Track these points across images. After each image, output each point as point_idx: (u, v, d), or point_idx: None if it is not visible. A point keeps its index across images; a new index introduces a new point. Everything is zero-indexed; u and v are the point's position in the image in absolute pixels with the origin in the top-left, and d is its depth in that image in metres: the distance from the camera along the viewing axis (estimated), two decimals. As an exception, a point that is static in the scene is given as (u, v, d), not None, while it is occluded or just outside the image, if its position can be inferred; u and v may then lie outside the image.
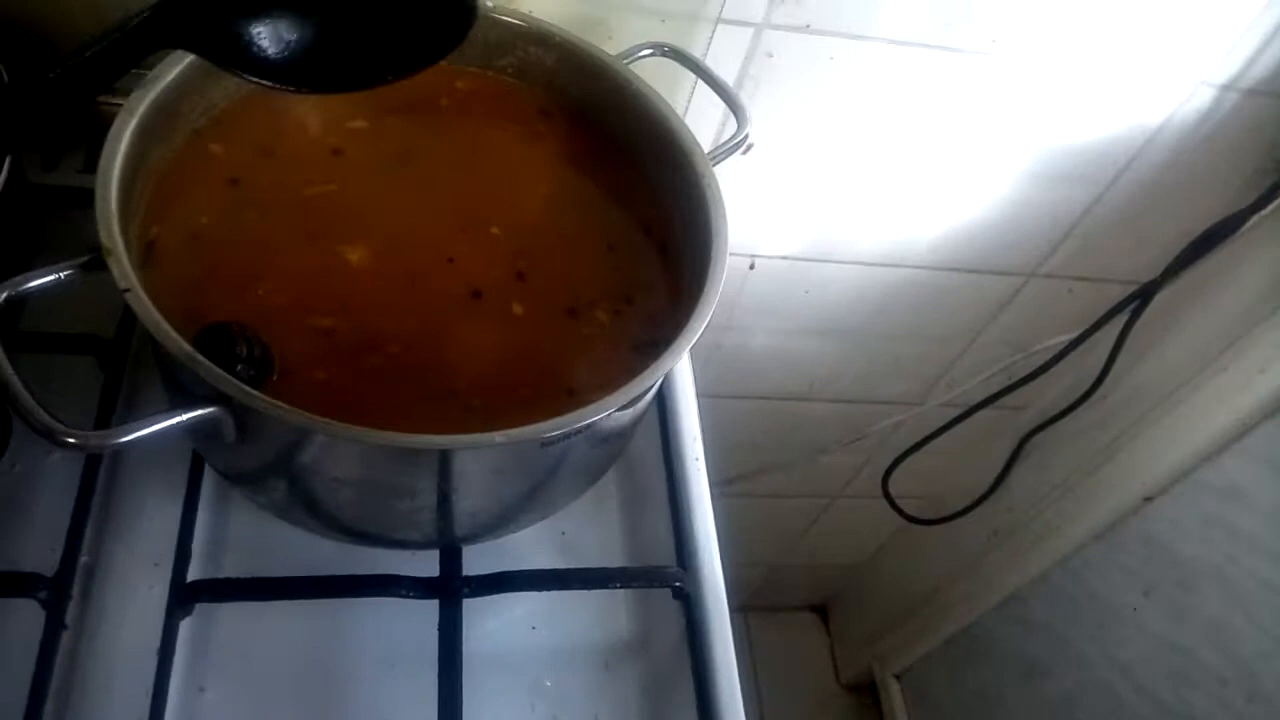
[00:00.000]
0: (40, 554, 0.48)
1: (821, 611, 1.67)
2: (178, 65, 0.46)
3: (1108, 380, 0.93)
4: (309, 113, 0.52)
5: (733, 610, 1.68)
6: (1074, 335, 0.92)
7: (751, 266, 0.86)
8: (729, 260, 0.82)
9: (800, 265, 0.87)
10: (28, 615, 0.46)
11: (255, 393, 0.37)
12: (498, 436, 0.39)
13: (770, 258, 0.85)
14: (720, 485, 1.20)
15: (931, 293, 0.91)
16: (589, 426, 0.40)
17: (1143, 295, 0.87)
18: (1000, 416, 1.07)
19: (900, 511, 1.18)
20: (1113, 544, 1.00)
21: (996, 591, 1.19)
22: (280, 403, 0.37)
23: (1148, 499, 0.95)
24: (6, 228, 0.45)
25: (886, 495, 1.16)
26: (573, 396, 0.45)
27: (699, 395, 0.64)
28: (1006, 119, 0.73)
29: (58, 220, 0.55)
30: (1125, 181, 0.80)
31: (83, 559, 0.48)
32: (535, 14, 0.58)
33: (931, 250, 0.86)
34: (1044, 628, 1.12)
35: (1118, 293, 0.88)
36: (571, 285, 0.49)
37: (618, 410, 0.41)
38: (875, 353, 1.00)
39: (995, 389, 1.01)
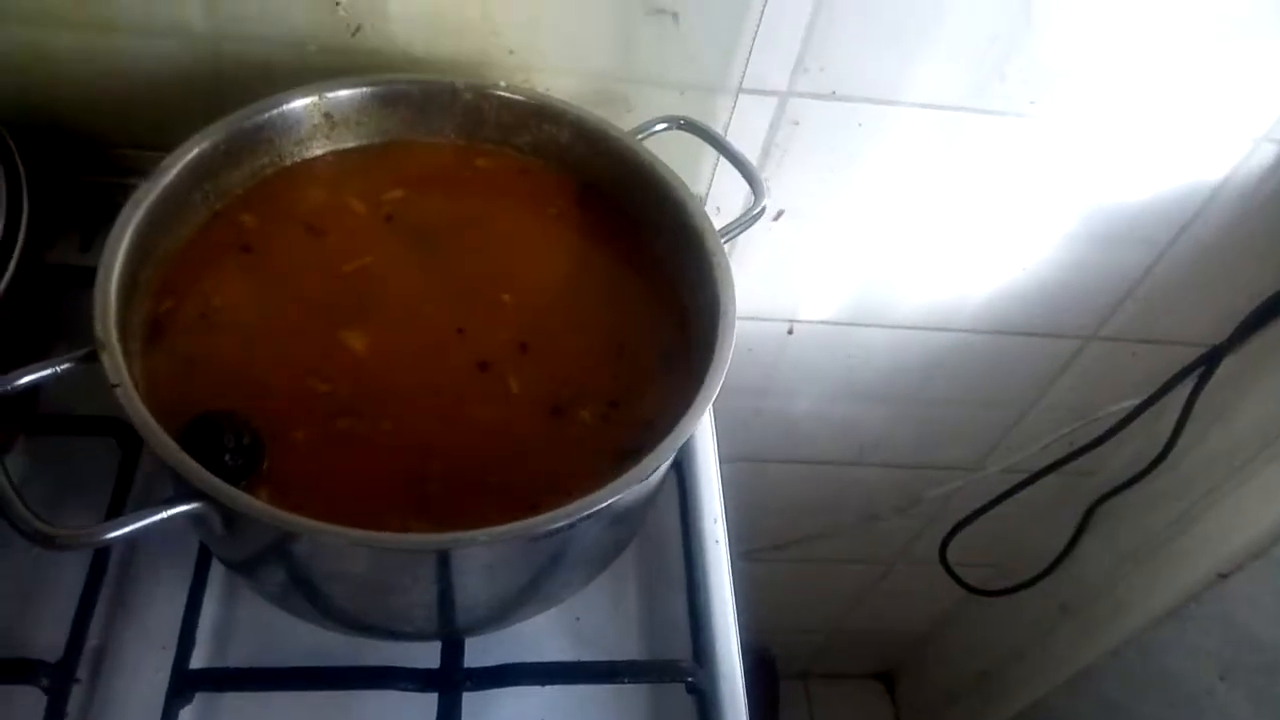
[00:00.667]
0: (51, 636, 0.48)
1: (887, 679, 1.61)
2: (187, 155, 0.47)
3: (1177, 448, 0.88)
4: (325, 193, 0.53)
5: (793, 676, 1.64)
6: (1139, 400, 0.87)
7: (790, 331, 0.84)
8: (765, 326, 0.83)
9: (841, 330, 0.84)
10: (27, 701, 0.46)
11: (231, 489, 0.37)
12: (480, 535, 0.38)
13: (809, 322, 0.83)
14: (768, 550, 1.18)
15: (983, 356, 0.88)
16: (576, 523, 0.39)
17: (1210, 359, 0.82)
18: (1065, 483, 1.02)
19: (960, 581, 1.13)
20: (1187, 622, 0.94)
21: (1066, 667, 1.12)
22: (254, 501, 0.37)
23: (1223, 575, 0.88)
24: (23, 311, 0.45)
25: (945, 564, 1.11)
26: (560, 492, 0.43)
27: (740, 459, 0.62)
28: (1052, 180, 0.70)
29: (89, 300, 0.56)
30: (1186, 242, 0.75)
31: (91, 642, 0.49)
32: (553, 91, 0.58)
33: (980, 313, 0.83)
34: (1116, 707, 1.06)
35: (1184, 356, 0.84)
36: (568, 374, 0.48)
37: (602, 507, 0.39)
38: (926, 417, 0.97)
39: (1058, 455, 0.96)
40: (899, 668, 1.58)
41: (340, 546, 0.39)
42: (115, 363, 0.39)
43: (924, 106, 0.63)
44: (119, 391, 0.38)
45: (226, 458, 0.40)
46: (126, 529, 0.37)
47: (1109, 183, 0.71)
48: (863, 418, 0.95)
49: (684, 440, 0.43)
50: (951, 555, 1.10)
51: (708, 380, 0.44)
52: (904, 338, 0.85)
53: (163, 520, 0.37)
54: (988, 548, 1.12)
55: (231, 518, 0.39)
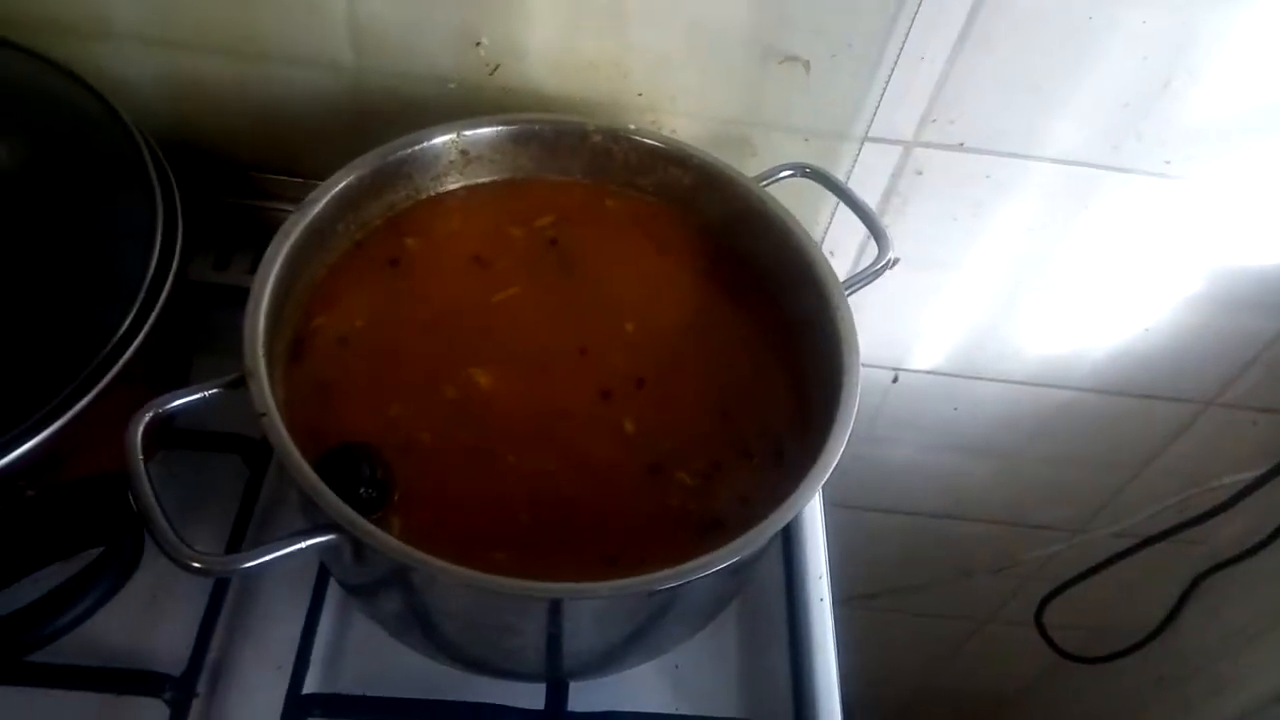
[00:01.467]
0: (173, 648, 0.49)
1: (968, 740, 1.55)
2: (335, 188, 0.48)
3: (1296, 524, 0.84)
4: (461, 227, 0.54)
5: (875, 734, 1.55)
6: (1259, 473, 0.83)
7: (895, 380, 0.83)
8: (870, 372, 0.81)
9: (948, 381, 0.82)
10: (155, 714, 0.47)
11: (367, 525, 0.37)
12: (603, 588, 0.37)
13: (916, 371, 0.82)
14: (862, 599, 1.15)
15: (1095, 417, 0.85)
16: (691, 581, 0.38)
17: (1340, 434, 0.78)
18: (1172, 553, 0.97)
19: (1054, 645, 1.09)
20: (1296, 709, 0.89)
21: (1162, 744, 1.07)
22: (388, 538, 0.37)
23: (1342, 663, 0.83)
24: (172, 330, 0.47)
25: (1040, 626, 1.07)
26: (696, 535, 0.43)
27: (835, 505, 0.61)
28: (1182, 241, 0.68)
29: (225, 317, 0.58)
30: (1318, 309, 0.72)
31: (211, 656, 0.50)
32: (679, 134, 0.59)
33: (1096, 372, 0.80)
34: (1214, 792, 1.00)
35: (1311, 429, 0.80)
36: (679, 420, 0.48)
37: (719, 569, 0.39)
38: (1031, 475, 0.94)
39: (1167, 524, 0.92)
40: (980, 729, 1.53)
41: (465, 587, 0.39)
42: (261, 391, 0.40)
43: (1054, 161, 0.62)
44: (265, 421, 0.39)
45: (361, 490, 0.40)
46: (264, 559, 0.37)
47: (1239, 246, 0.68)
48: (964, 471, 0.93)
49: (810, 500, 0.42)
50: (1047, 618, 1.06)
51: (830, 441, 0.44)
52: (1014, 392, 0.82)
53: (298, 551, 0.38)
54: (1085, 613, 1.08)
55: (362, 550, 0.39)
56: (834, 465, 0.42)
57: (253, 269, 0.64)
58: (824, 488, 0.60)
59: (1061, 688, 1.26)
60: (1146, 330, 0.76)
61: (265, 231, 0.64)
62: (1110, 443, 0.88)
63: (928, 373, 0.82)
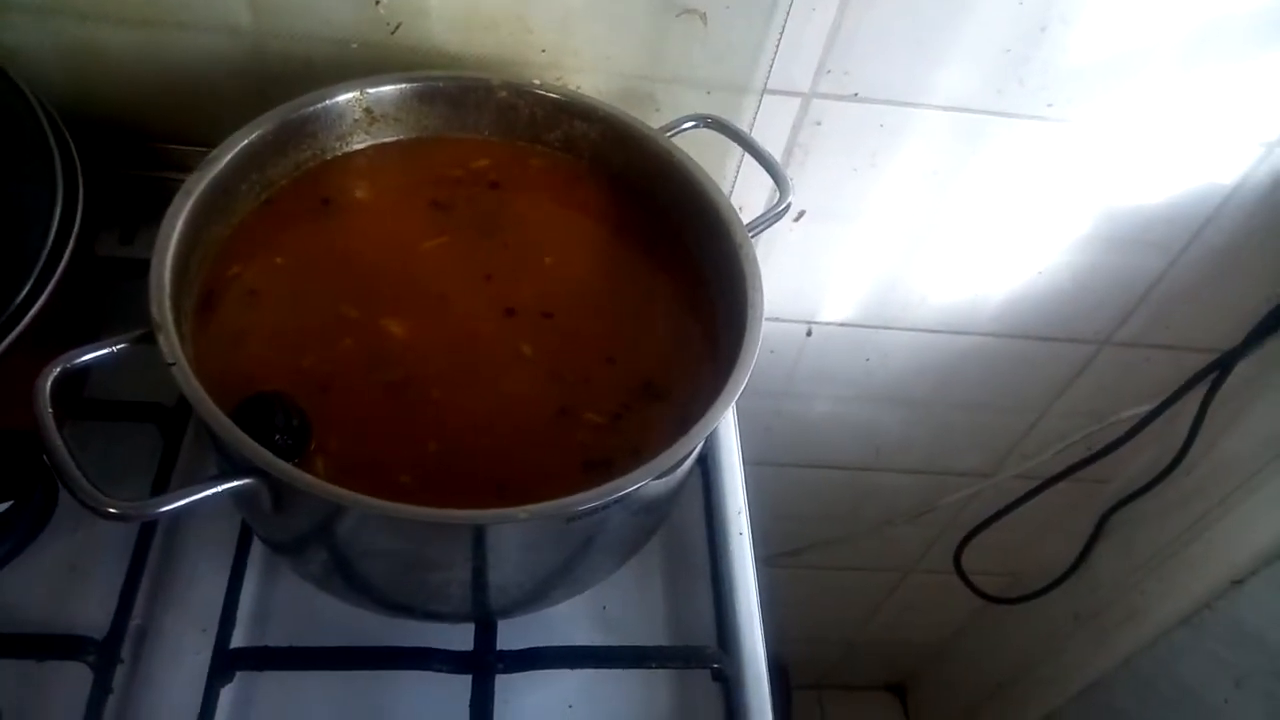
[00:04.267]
0: (94, 616, 0.49)
1: (899, 691, 1.60)
2: (237, 145, 0.48)
3: (1190, 454, 0.89)
4: (366, 183, 0.54)
5: (807, 688, 1.64)
6: (1153, 406, 0.88)
7: (809, 333, 0.85)
8: (785, 327, 0.84)
9: (860, 332, 0.85)
10: (75, 677, 0.47)
11: (286, 465, 0.38)
12: (521, 512, 0.39)
13: (828, 324, 0.84)
14: (786, 556, 1.18)
15: (1000, 360, 0.89)
16: (613, 502, 0.40)
17: (1223, 365, 0.83)
18: (1079, 490, 1.02)
19: (975, 589, 1.13)
20: (1200, 630, 0.94)
21: (1079, 678, 1.12)
22: (309, 476, 0.38)
23: (1236, 582, 0.89)
24: (74, 300, 0.47)
25: (960, 572, 1.11)
26: (593, 471, 0.45)
27: (759, 463, 0.63)
28: (1069, 183, 0.71)
29: (131, 291, 0.57)
30: (1199, 247, 0.76)
31: (134, 622, 0.50)
32: (583, 89, 0.60)
33: (997, 317, 0.84)
34: (1130, 717, 1.06)
35: (1197, 362, 0.85)
36: (587, 354, 0.49)
37: (642, 486, 0.40)
38: (944, 422, 0.98)
39: (1072, 461, 0.97)
40: (912, 679, 1.58)
41: (386, 521, 0.40)
42: (170, 342, 0.40)
43: (944, 109, 0.64)
44: (175, 370, 0.39)
45: (277, 437, 0.41)
46: (182, 502, 0.38)
47: (1124, 186, 0.72)
48: (880, 421, 0.96)
49: (714, 426, 0.44)
50: (966, 564, 1.11)
51: (738, 367, 0.45)
52: (922, 340, 0.86)
53: (216, 495, 0.38)
54: (1002, 557, 1.13)
55: (281, 494, 0.40)
56: (740, 388, 0.44)
57: (158, 239, 0.64)
58: (747, 443, 0.63)
59: (987, 631, 1.31)
60: (1040, 273, 0.79)
61: (169, 203, 0.64)
62: (1015, 386, 0.92)
63: (840, 325, 0.84)
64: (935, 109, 0.64)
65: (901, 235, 0.75)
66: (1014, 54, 0.61)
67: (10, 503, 0.38)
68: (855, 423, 0.96)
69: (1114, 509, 1.02)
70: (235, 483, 0.38)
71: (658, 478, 0.42)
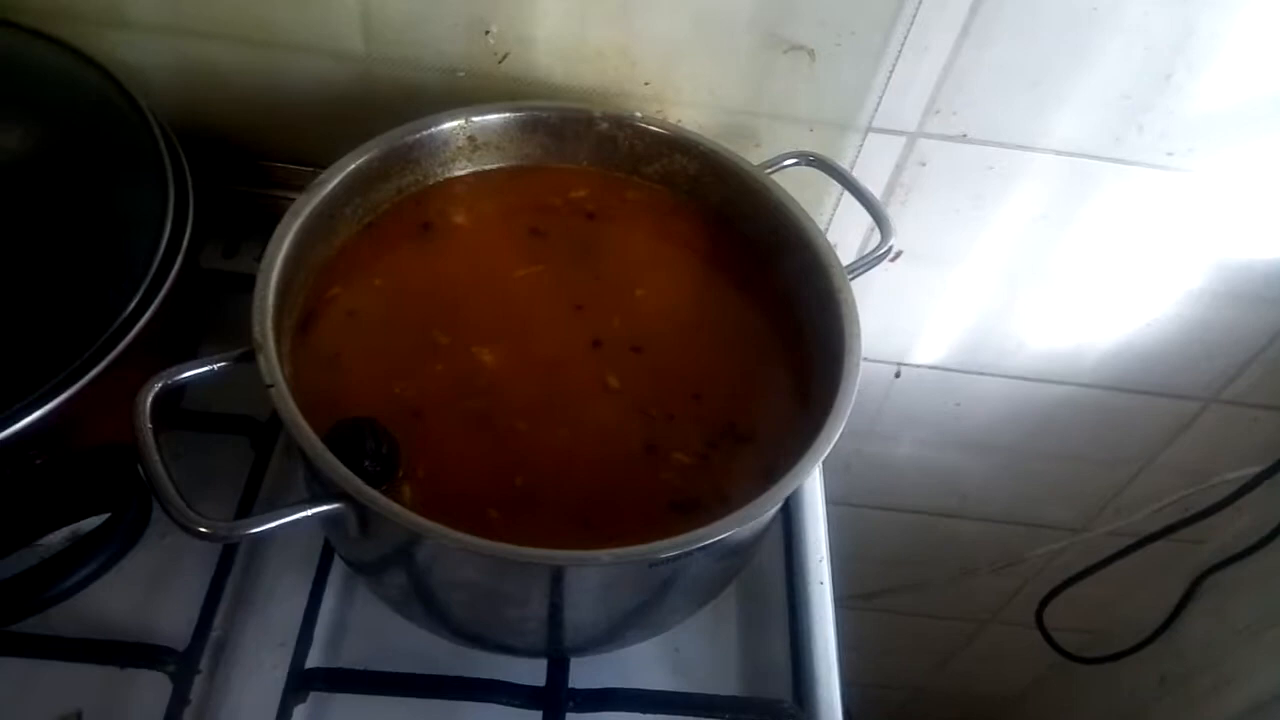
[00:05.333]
0: (176, 625, 0.50)
1: (967, 743, 1.55)
2: (344, 170, 0.49)
3: (1297, 521, 0.84)
4: (462, 210, 0.54)
5: (872, 735, 1.55)
6: (1258, 469, 0.84)
7: (898, 374, 0.83)
8: (872, 367, 0.82)
9: (951, 376, 0.83)
10: (155, 685, 0.47)
11: (374, 493, 0.38)
12: (604, 555, 0.38)
13: (918, 366, 0.82)
14: (861, 598, 1.15)
15: (1097, 412, 0.85)
16: (697, 550, 0.39)
17: (1342, 430, 0.78)
18: (1174, 551, 0.98)
19: (1056, 646, 1.09)
20: (1298, 707, 0.89)
21: (1164, 745, 1.07)
22: (395, 506, 0.37)
23: (1343, 660, 0.83)
24: (178, 312, 0.48)
25: (1041, 627, 1.07)
26: (681, 513, 0.44)
27: (837, 503, 0.61)
28: (1185, 234, 0.68)
29: (233, 304, 0.59)
30: (1322, 303, 0.72)
31: (214, 633, 0.50)
32: (684, 123, 0.59)
33: (1098, 368, 0.81)
34: (1217, 791, 1.00)
35: (1313, 425, 0.80)
36: (679, 389, 0.49)
37: (719, 539, 0.39)
38: (1033, 472, 0.94)
39: (1168, 521, 0.92)
40: (981, 732, 1.52)
41: (466, 554, 0.39)
42: (270, 364, 0.40)
43: (1057, 153, 0.62)
44: (273, 391, 0.40)
45: (366, 463, 0.41)
46: (270, 525, 0.38)
47: (1242, 240, 0.68)
48: (966, 468, 0.93)
49: (805, 478, 0.42)
50: (1048, 619, 1.06)
51: (831, 417, 0.44)
52: (1016, 388, 0.83)
53: (304, 519, 0.38)
54: (1087, 613, 1.08)
55: (367, 520, 0.40)
56: (833, 442, 0.43)
57: (260, 257, 0.65)
58: (826, 481, 0.61)
59: (1064, 688, 1.25)
60: (1148, 325, 0.76)
61: (273, 220, 0.65)
62: (1112, 439, 0.89)
63: (930, 367, 0.82)
64: (1048, 153, 0.62)
65: (1003, 280, 0.73)
66: (1134, 100, 0.58)
67: (107, 515, 0.39)
68: (940, 467, 0.93)
69: (1209, 572, 0.97)
70: (323, 507, 0.39)
71: (744, 525, 0.41)
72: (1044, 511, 0.98)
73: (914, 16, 0.54)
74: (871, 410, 0.86)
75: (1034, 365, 0.81)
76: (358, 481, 0.38)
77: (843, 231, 0.68)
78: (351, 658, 0.51)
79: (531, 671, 0.50)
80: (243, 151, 0.62)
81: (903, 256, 0.71)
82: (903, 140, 0.62)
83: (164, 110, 0.53)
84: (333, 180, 0.48)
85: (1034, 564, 1.04)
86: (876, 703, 1.44)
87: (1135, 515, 0.95)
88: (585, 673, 0.51)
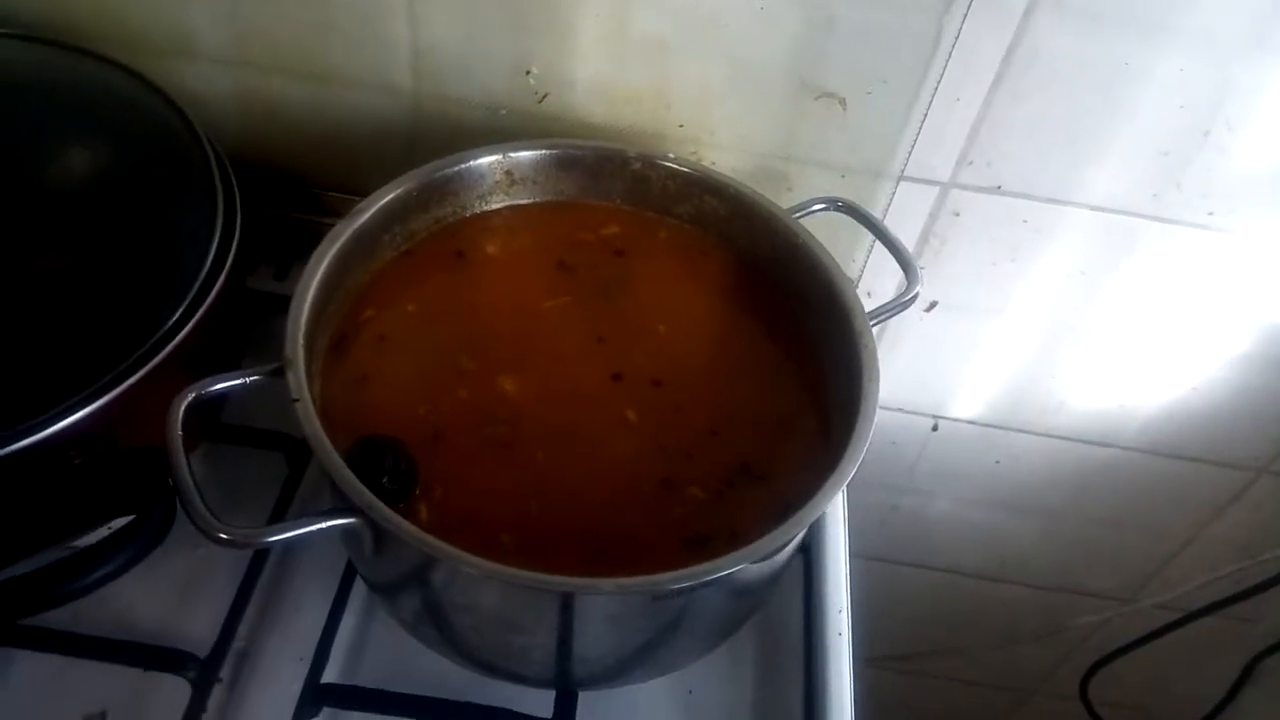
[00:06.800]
0: (200, 632, 0.51)
1: (1008, 821, 1.48)
2: (382, 200, 0.51)
3: (1358, 601, 0.80)
4: (495, 241, 0.56)
5: (901, 803, 1.51)
6: (1317, 544, 0.80)
7: (935, 428, 0.82)
8: (909, 419, 0.81)
9: (990, 432, 0.82)
10: (175, 689, 0.48)
11: (384, 508, 0.39)
12: (609, 584, 0.38)
13: (956, 420, 0.81)
14: (892, 660, 1.12)
15: (1144, 478, 0.83)
16: (703, 584, 0.39)
17: (1403, 506, 0.75)
18: (1228, 628, 0.94)
19: (1101, 721, 1.05)
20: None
21: (1218, 836, 1.01)
22: (404, 522, 0.38)
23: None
24: (224, 329, 0.50)
25: (1085, 700, 1.03)
26: (692, 548, 0.44)
27: (871, 558, 0.61)
28: (1230, 296, 0.67)
29: (279, 324, 0.61)
30: (1377, 372, 0.70)
31: (237, 643, 0.51)
32: (718, 165, 0.60)
33: (1144, 431, 0.79)
34: None
35: (1371, 500, 0.77)
36: (697, 427, 0.49)
37: (735, 570, 0.39)
38: (1077, 537, 0.92)
39: (1219, 596, 0.89)
40: (1024, 810, 1.46)
41: (472, 575, 0.40)
42: (299, 379, 0.42)
43: (1093, 209, 0.62)
44: (298, 406, 0.41)
45: (385, 480, 0.42)
46: (287, 534, 0.39)
47: (1290, 304, 0.67)
48: (1007, 529, 0.91)
49: (814, 517, 0.42)
50: (1093, 692, 1.02)
51: (845, 460, 0.44)
52: (1058, 448, 0.81)
53: (320, 530, 0.39)
54: (1136, 690, 1.04)
55: (380, 537, 0.41)
56: (846, 481, 0.43)
57: (302, 278, 0.68)
58: (861, 535, 0.61)
59: (1110, 769, 1.20)
60: (1194, 389, 0.74)
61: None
62: (1159, 507, 0.86)
63: (968, 422, 0.81)
64: (1084, 208, 0.62)
65: (1042, 335, 0.72)
66: (1172, 157, 0.58)
67: (132, 516, 0.41)
68: (979, 526, 0.92)
69: (1266, 654, 0.93)
70: (338, 520, 0.40)
71: (753, 563, 0.41)
72: (1087, 579, 0.96)
73: (945, 66, 0.55)
74: (908, 463, 0.85)
75: (1076, 425, 0.79)
76: (370, 496, 0.39)
77: (877, 280, 0.68)
78: (368, 676, 0.52)
79: (541, 702, 0.50)
80: (296, 179, 0.65)
81: (939, 307, 0.71)
82: (936, 190, 0.62)
83: (221, 137, 0.55)
84: (370, 209, 0.50)
85: (1078, 634, 1.01)
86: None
87: (1184, 588, 0.92)
88: (594, 708, 0.50)
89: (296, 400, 0.42)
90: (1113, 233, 0.63)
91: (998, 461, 0.84)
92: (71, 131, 0.51)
